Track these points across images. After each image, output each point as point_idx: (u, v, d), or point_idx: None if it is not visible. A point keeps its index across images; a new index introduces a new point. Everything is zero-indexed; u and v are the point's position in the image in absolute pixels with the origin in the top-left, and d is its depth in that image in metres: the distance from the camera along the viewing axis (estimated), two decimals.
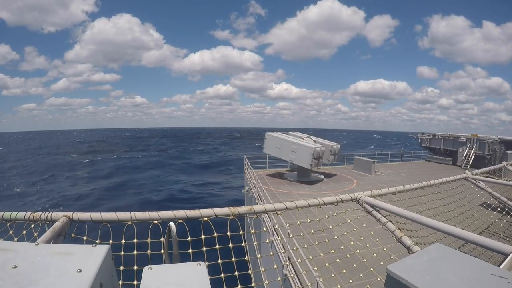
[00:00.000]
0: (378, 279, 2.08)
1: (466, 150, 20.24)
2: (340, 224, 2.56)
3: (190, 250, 1.99)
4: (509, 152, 17.19)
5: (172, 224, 1.89)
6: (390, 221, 2.39)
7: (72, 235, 1.91)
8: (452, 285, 0.99)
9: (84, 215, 1.96)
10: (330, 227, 2.50)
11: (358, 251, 2.48)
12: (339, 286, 2.29)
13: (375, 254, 2.35)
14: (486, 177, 4.37)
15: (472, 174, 4.29)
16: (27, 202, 22.91)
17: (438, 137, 23.11)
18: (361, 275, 2.32)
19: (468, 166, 18.98)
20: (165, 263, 1.84)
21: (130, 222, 1.98)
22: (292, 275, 4.77)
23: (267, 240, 5.80)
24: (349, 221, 2.61)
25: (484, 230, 3.50)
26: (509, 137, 19.63)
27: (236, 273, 2.02)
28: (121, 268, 1.78)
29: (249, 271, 2.16)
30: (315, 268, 2.75)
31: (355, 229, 2.56)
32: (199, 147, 68.03)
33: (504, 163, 5.99)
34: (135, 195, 24.12)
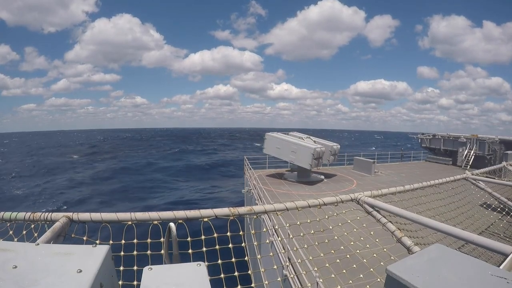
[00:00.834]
0: (378, 280, 2.08)
1: (466, 150, 20.24)
2: (340, 224, 2.56)
3: (190, 251, 1.99)
4: (509, 152, 17.18)
5: (172, 224, 1.90)
6: (390, 221, 2.39)
7: (72, 235, 1.91)
8: (452, 285, 0.99)
9: (84, 216, 1.96)
10: (330, 227, 2.50)
11: (358, 251, 2.48)
12: (339, 287, 2.29)
13: (375, 255, 2.35)
14: (486, 177, 4.37)
15: (472, 174, 4.29)
16: (27, 202, 22.91)
17: (438, 137, 23.11)
18: (361, 275, 2.32)
19: (468, 166, 18.97)
20: (165, 263, 1.84)
21: (130, 223, 1.98)
22: (292, 276, 4.76)
23: (267, 241, 5.80)
24: (349, 221, 2.61)
25: (484, 230, 3.50)
26: (509, 137, 19.62)
27: (236, 273, 2.02)
28: (121, 268, 1.78)
29: (249, 272, 2.16)
30: (315, 269, 2.75)
31: (355, 230, 2.56)
32: (199, 147, 68.07)
33: (504, 163, 5.99)
34: (135, 197, 24.12)
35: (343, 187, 14.21)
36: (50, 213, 1.96)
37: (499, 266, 1.35)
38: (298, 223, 2.40)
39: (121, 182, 29.45)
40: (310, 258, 2.46)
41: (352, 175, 17.07)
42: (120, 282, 1.56)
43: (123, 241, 1.92)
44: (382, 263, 2.08)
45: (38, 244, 1.19)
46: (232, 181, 29.04)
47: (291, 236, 2.77)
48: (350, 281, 2.39)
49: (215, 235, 2.11)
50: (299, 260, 4.35)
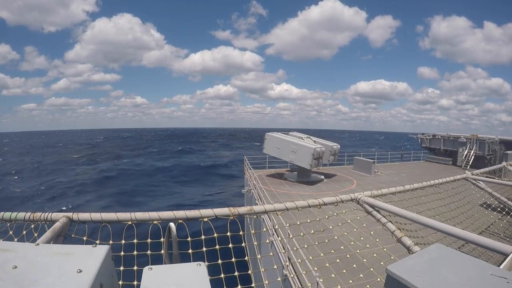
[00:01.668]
0: (378, 279, 2.08)
1: (466, 151, 20.24)
2: (340, 224, 2.56)
3: (190, 250, 1.99)
4: (509, 152, 17.19)
5: (172, 224, 1.90)
6: (390, 221, 2.39)
7: (72, 235, 1.91)
8: (452, 285, 0.99)
9: (84, 216, 1.96)
10: (330, 227, 2.50)
11: (358, 251, 2.48)
12: (339, 286, 2.29)
13: (375, 254, 2.35)
14: (486, 177, 4.37)
15: (472, 174, 4.29)
16: (27, 202, 22.91)
17: (438, 138, 23.12)
18: (361, 275, 2.32)
19: (468, 166, 18.97)
20: (165, 263, 1.84)
21: (130, 222, 1.98)
22: (292, 275, 4.76)
23: (267, 241, 5.80)
24: (349, 221, 2.61)
25: (484, 230, 3.50)
26: (509, 137, 19.63)
27: (236, 273, 2.02)
28: (121, 268, 1.78)
29: (249, 272, 2.16)
30: (315, 268, 2.75)
31: (355, 229, 2.56)
32: (199, 147, 68.06)
33: (504, 163, 5.99)
34: (136, 197, 24.12)
35: (343, 187, 14.21)
36: (50, 213, 1.96)
37: (499, 266, 1.35)
38: (298, 223, 2.40)
39: (121, 182, 29.44)
40: (310, 258, 2.46)
41: (352, 175, 17.07)
42: (120, 282, 1.56)
43: (123, 241, 1.92)
44: (382, 263, 2.08)
45: (38, 244, 1.19)
46: (232, 181, 29.05)
47: (291, 236, 2.77)
48: (350, 281, 2.39)
49: (215, 235, 2.11)
50: (299, 260, 4.35)
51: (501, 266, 1.41)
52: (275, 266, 2.54)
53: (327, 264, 2.35)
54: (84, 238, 1.90)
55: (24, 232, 1.89)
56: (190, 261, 1.30)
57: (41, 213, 1.95)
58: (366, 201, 2.65)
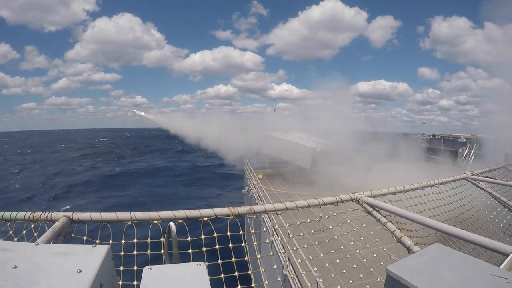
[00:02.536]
0: (378, 279, 2.08)
1: (466, 150, 20.24)
2: (340, 224, 2.56)
3: (190, 250, 1.99)
4: (509, 152, 17.18)
5: (172, 224, 1.89)
6: (390, 221, 2.39)
7: (72, 235, 1.91)
8: (452, 285, 0.99)
9: (84, 215, 1.96)
10: (330, 227, 2.50)
11: (358, 251, 2.48)
12: (339, 286, 2.29)
13: (375, 255, 2.35)
14: (486, 177, 4.37)
15: (472, 174, 4.29)
16: (27, 202, 22.91)
17: (438, 138, 23.12)
18: (361, 275, 2.32)
19: (468, 167, 18.96)
20: (165, 263, 1.84)
21: (130, 222, 1.98)
22: (292, 276, 4.76)
23: (267, 240, 5.80)
24: (349, 221, 2.60)
25: (484, 230, 3.50)
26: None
27: (236, 273, 2.02)
28: (121, 268, 1.78)
29: (249, 272, 2.16)
30: (315, 268, 2.74)
31: (355, 229, 2.56)
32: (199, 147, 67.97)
33: (504, 163, 5.99)
34: (136, 198, 24.11)
35: (343, 186, 14.19)
36: (50, 212, 1.96)
37: (499, 266, 1.35)
38: (298, 222, 2.40)
39: (122, 182, 29.43)
40: (310, 258, 2.46)
41: (352, 175, 17.04)
42: (120, 282, 1.56)
43: (123, 241, 1.92)
44: (382, 263, 2.07)
45: (38, 244, 1.19)
46: (232, 181, 29.03)
47: (291, 235, 2.76)
48: (350, 281, 2.39)
49: (215, 235, 2.10)
50: (299, 260, 4.35)
51: (501, 266, 1.41)
52: (275, 266, 2.54)
53: (327, 264, 2.35)
54: (84, 238, 1.90)
55: (24, 232, 1.89)
56: (190, 261, 1.30)
57: (41, 212, 1.95)
58: (366, 201, 2.65)
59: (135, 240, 1.95)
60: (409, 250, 2.07)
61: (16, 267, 0.98)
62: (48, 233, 1.71)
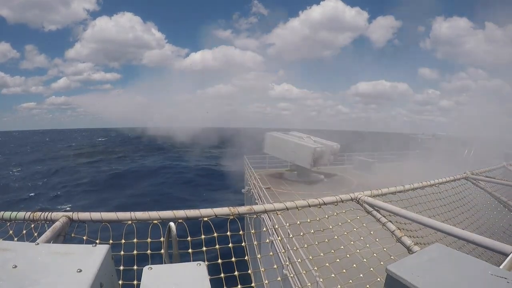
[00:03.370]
0: (378, 279, 2.08)
1: (466, 150, 20.25)
2: (340, 224, 2.56)
3: (190, 250, 1.99)
4: (509, 152, 17.18)
5: (172, 224, 1.89)
6: (390, 221, 2.39)
7: (72, 235, 1.91)
8: (452, 285, 0.99)
9: (84, 215, 1.96)
10: (330, 227, 2.50)
11: (358, 251, 2.48)
12: (339, 286, 2.29)
13: (375, 254, 2.35)
14: (486, 177, 4.37)
15: (472, 174, 4.29)
16: (28, 202, 22.92)
17: (438, 137, 23.12)
18: (361, 275, 2.32)
19: (468, 166, 18.94)
20: (165, 263, 1.84)
21: (130, 222, 1.98)
22: (292, 275, 4.76)
23: (267, 240, 5.80)
24: (349, 221, 2.61)
25: (484, 230, 3.50)
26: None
27: (236, 273, 2.02)
28: (121, 268, 1.78)
29: (249, 271, 2.16)
30: (315, 268, 2.74)
31: (355, 229, 2.56)
32: (199, 147, 68.01)
33: (504, 163, 5.99)
34: (136, 199, 24.11)
35: (343, 186, 14.21)
36: (50, 212, 1.96)
37: (499, 266, 1.35)
38: (298, 222, 2.40)
39: (122, 182, 29.42)
40: (310, 257, 2.46)
41: (352, 175, 17.07)
42: (120, 282, 1.56)
43: (123, 241, 1.92)
44: (382, 263, 2.08)
45: (38, 243, 1.19)
46: (232, 180, 29.03)
47: (291, 235, 2.76)
48: (350, 281, 2.39)
49: (215, 234, 2.11)
50: (299, 260, 4.35)
51: (501, 266, 1.41)
52: (275, 266, 2.54)
53: (327, 264, 2.35)
54: (84, 238, 1.90)
55: (24, 232, 1.89)
56: (190, 261, 1.30)
57: (41, 212, 1.95)
58: (366, 201, 2.65)
59: (135, 240, 1.95)
60: (409, 250, 2.07)
61: (16, 267, 0.98)
62: (48, 233, 1.71)
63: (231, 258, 2.07)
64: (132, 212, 2.00)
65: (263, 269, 2.34)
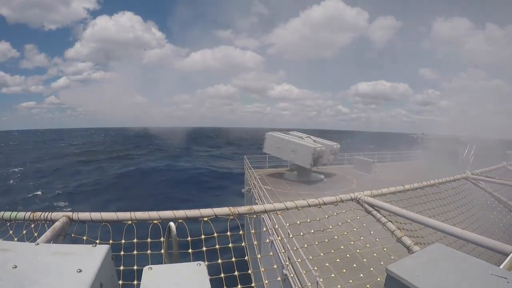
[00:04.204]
0: (378, 279, 2.08)
1: (466, 150, 20.26)
2: (340, 224, 2.56)
3: (190, 250, 1.99)
4: (509, 152, 17.19)
5: (172, 224, 1.89)
6: (390, 221, 2.39)
7: (72, 235, 1.91)
8: (452, 285, 0.99)
9: (84, 215, 1.96)
10: (330, 227, 2.50)
11: (358, 251, 2.48)
12: (339, 286, 2.29)
13: (375, 254, 2.35)
14: (486, 177, 4.36)
15: (472, 174, 4.29)
16: (28, 202, 22.91)
17: (438, 137, 23.13)
18: (361, 275, 2.32)
19: (468, 166, 18.96)
20: (165, 263, 1.84)
21: (130, 222, 1.98)
22: (292, 275, 4.76)
23: (267, 240, 5.80)
24: (349, 221, 2.61)
25: (484, 230, 3.50)
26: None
27: (236, 273, 2.02)
28: (121, 268, 1.78)
29: (249, 271, 2.16)
30: (315, 268, 2.75)
31: (355, 229, 2.56)
32: (199, 146, 68.04)
33: (504, 163, 5.98)
34: (136, 199, 24.10)
35: (343, 186, 14.21)
36: (50, 212, 1.96)
37: (499, 266, 1.35)
38: (298, 222, 2.40)
39: (122, 182, 29.42)
40: (310, 257, 2.46)
41: (352, 175, 17.07)
42: (120, 282, 1.56)
43: (123, 241, 1.92)
44: (382, 263, 2.08)
45: (38, 244, 1.19)
46: (232, 180, 29.02)
47: (291, 235, 2.76)
48: (350, 281, 2.39)
49: (215, 234, 2.11)
50: (299, 260, 4.35)
51: (501, 266, 1.41)
52: (275, 266, 2.54)
53: (327, 264, 2.35)
54: (84, 238, 1.90)
55: (24, 232, 1.89)
56: (190, 261, 1.30)
57: (41, 212, 1.95)
58: (366, 201, 2.65)
59: (135, 240, 1.95)
60: (409, 250, 2.07)
61: (16, 267, 0.98)
62: (48, 233, 1.71)
63: (231, 258, 2.07)
64: (132, 212, 2.00)
65: (263, 269, 2.34)
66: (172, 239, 1.85)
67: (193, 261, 1.25)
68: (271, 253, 2.65)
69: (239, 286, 1.92)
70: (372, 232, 2.51)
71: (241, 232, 2.21)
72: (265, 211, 2.33)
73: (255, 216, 2.30)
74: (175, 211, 2.04)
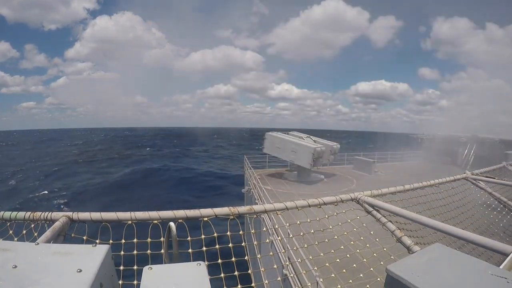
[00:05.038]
0: (378, 279, 2.08)
1: (466, 150, 20.26)
2: (340, 224, 2.56)
3: (190, 250, 1.99)
4: (509, 152, 17.18)
5: (172, 224, 1.89)
6: (390, 221, 2.39)
7: (72, 235, 1.91)
8: (452, 285, 0.99)
9: (84, 215, 1.96)
10: (330, 227, 2.50)
11: (358, 251, 2.48)
12: (339, 286, 2.29)
13: (375, 254, 2.35)
14: (486, 177, 4.36)
15: (472, 174, 4.29)
16: (28, 202, 22.90)
17: (438, 137, 23.13)
18: (361, 275, 2.32)
19: (468, 166, 18.97)
20: (165, 263, 1.84)
21: (130, 222, 1.98)
22: (292, 275, 4.77)
23: (267, 240, 5.80)
24: (349, 221, 2.61)
25: (484, 230, 3.49)
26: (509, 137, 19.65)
27: (236, 273, 2.02)
28: (121, 268, 1.78)
29: (249, 271, 2.16)
30: (315, 268, 2.75)
31: (355, 229, 2.56)
32: (199, 146, 68.04)
33: (504, 163, 5.98)
34: (136, 199, 24.11)
35: (343, 186, 14.22)
36: (50, 212, 1.96)
37: (499, 266, 1.35)
38: (298, 222, 2.40)
39: (123, 181, 29.41)
40: (310, 257, 2.46)
41: (352, 175, 17.08)
42: (120, 282, 1.56)
43: (123, 241, 1.92)
44: (382, 263, 2.07)
45: (38, 243, 1.19)
46: (232, 180, 29.01)
47: (291, 235, 2.77)
48: (350, 281, 2.39)
49: (215, 234, 2.11)
50: (299, 260, 4.36)
51: (501, 266, 1.41)
52: (275, 266, 2.54)
53: (327, 264, 2.35)
54: (84, 238, 1.90)
55: (24, 232, 1.89)
56: (190, 261, 1.30)
57: (41, 212, 1.95)
58: (366, 201, 2.65)
59: (135, 240, 1.95)
60: (409, 250, 2.07)
61: (16, 267, 0.98)
62: (48, 233, 1.71)
63: (231, 258, 2.07)
64: (132, 212, 1.99)
65: (263, 269, 2.34)
66: (172, 239, 1.85)
67: (193, 261, 1.25)
68: (271, 253, 2.65)
69: (239, 286, 1.92)
70: (372, 232, 2.51)
71: (241, 232, 2.21)
72: (265, 211, 2.33)
73: (255, 216, 2.30)
74: (175, 211, 2.04)
